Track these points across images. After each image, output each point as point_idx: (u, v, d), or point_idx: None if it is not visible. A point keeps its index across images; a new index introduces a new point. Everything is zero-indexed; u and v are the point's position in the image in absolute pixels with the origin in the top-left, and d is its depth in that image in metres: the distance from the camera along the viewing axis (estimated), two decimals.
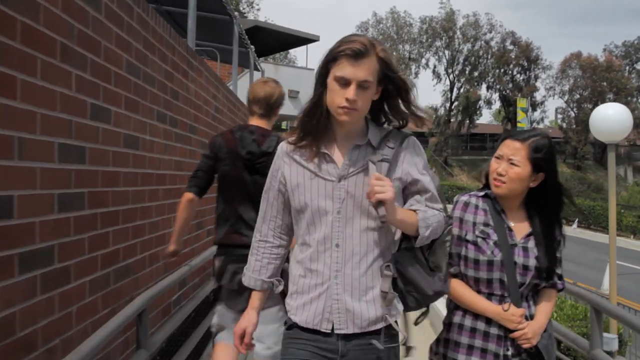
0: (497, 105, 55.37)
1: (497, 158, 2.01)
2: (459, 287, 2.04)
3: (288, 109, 18.06)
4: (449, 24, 51.64)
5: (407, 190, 1.81)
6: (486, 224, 2.02)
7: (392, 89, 1.74)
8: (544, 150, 1.95)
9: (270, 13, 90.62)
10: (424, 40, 52.92)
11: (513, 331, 1.95)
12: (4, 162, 2.03)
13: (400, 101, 1.77)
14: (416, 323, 1.98)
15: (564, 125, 55.51)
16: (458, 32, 52.61)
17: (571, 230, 24.73)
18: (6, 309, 2.07)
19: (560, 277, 2.09)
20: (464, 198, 2.09)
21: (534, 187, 2.00)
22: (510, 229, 2.02)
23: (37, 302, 2.28)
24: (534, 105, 53.39)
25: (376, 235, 1.74)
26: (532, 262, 1.97)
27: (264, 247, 1.91)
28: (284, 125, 27.86)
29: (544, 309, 2.04)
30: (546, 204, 2.02)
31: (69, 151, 2.51)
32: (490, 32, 53.08)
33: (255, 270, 1.91)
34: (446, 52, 53.50)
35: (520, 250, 1.99)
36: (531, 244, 2.00)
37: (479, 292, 2.02)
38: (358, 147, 1.75)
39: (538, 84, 55.16)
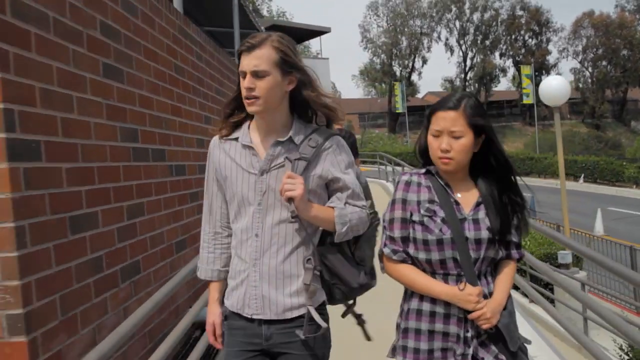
0: (511, 71, 56.16)
1: (435, 135, 1.83)
2: (410, 273, 1.88)
3: None
4: None
5: (330, 188, 1.86)
6: (431, 201, 1.86)
7: (302, 80, 1.76)
8: (478, 110, 1.81)
9: (282, 2, 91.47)
10: (434, 14, 53.97)
11: (472, 313, 1.81)
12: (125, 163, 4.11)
13: (310, 92, 1.77)
14: (343, 316, 1.98)
15: (580, 85, 56.04)
16: (467, 3, 53.53)
17: (577, 185, 26.50)
18: (96, 252, 2.78)
19: (518, 246, 1.93)
20: (405, 177, 1.93)
21: (476, 152, 1.86)
22: (457, 203, 1.87)
23: (115, 249, 2.99)
24: (547, 69, 54.19)
25: (295, 227, 1.78)
26: (484, 235, 1.82)
27: (214, 239, 1.93)
28: None
29: (502, 285, 1.89)
30: (492, 167, 1.88)
31: (138, 151, 4.58)
32: (500, 1, 53.81)
33: (210, 262, 1.94)
34: (457, 23, 54.52)
35: (471, 223, 1.84)
36: (481, 214, 1.84)
37: (433, 273, 1.86)
38: (280, 143, 1.78)
39: (550, 46, 55.86)
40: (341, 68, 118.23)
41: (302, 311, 1.79)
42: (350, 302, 1.95)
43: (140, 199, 3.35)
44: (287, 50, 1.71)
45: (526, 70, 39.26)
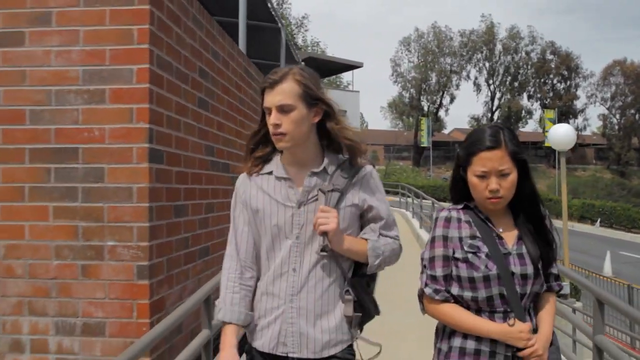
0: (538, 113, 56.79)
1: (481, 176, 1.77)
2: (456, 312, 1.82)
3: None
4: (489, 37, 53.79)
5: (364, 218, 1.84)
6: (473, 237, 1.81)
7: (327, 112, 1.77)
8: (516, 141, 1.78)
9: (317, 32, 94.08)
10: (464, 54, 55.22)
11: (520, 349, 1.75)
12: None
13: (334, 124, 1.77)
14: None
15: (607, 131, 56.38)
16: (498, 45, 54.68)
17: (593, 229, 27.04)
18: (186, 233, 4.90)
19: (557, 278, 1.92)
20: (444, 214, 1.88)
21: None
22: (500, 237, 1.82)
23: (196, 234, 4.86)
24: (575, 114, 54.75)
25: (333, 261, 1.76)
26: (530, 270, 1.78)
27: (240, 279, 1.85)
28: None
29: (546, 318, 1.85)
30: (522, 199, 1.83)
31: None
32: (532, 44, 54.83)
33: (235, 303, 1.82)
34: (486, 63, 55.65)
35: (516, 258, 1.79)
36: (524, 248, 1.80)
37: (478, 311, 1.80)
38: (315, 174, 1.77)
39: (579, 92, 56.44)
40: (370, 99, 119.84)
41: (338, 349, 1.77)
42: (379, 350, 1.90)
43: (213, 200, 4.41)
44: (309, 82, 1.73)
45: (549, 114, 40.10)
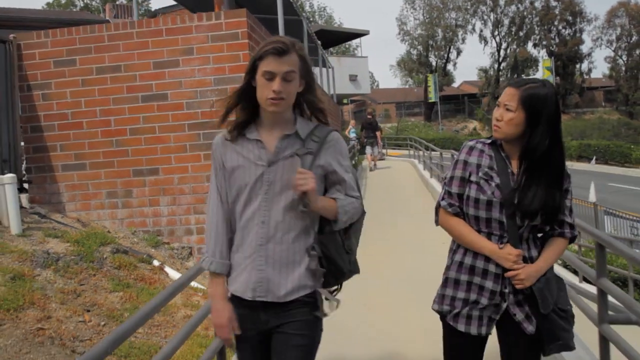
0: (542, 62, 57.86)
1: (497, 105, 2.03)
2: (459, 225, 2.09)
3: (350, 88, 25.02)
4: None
5: (328, 180, 1.96)
6: (490, 167, 2.03)
7: (308, 84, 1.91)
8: (537, 97, 1.93)
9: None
10: (468, 7, 56.32)
11: (509, 271, 1.99)
12: None
13: (311, 97, 1.94)
14: (326, 299, 2.01)
15: (614, 74, 57.31)
16: None
17: (590, 166, 29.49)
18: None
19: (572, 227, 2.08)
20: (470, 143, 2.12)
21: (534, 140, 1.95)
22: (513, 174, 2.03)
23: None
24: (581, 58, 55.92)
25: (297, 216, 1.89)
26: (531, 206, 1.97)
27: (222, 232, 1.98)
28: (345, 100, 33.51)
29: (546, 255, 2.05)
30: (536, 152, 1.97)
31: None
32: None
33: (224, 256, 1.97)
34: (491, 15, 56.68)
35: (522, 193, 1.99)
36: (533, 188, 1.97)
37: (479, 231, 2.05)
38: (287, 137, 1.89)
39: (584, 36, 57.16)
40: (380, 59, 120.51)
41: (301, 293, 1.91)
42: (336, 287, 2.04)
43: None
44: (306, 58, 1.89)
45: (546, 62, 41.78)
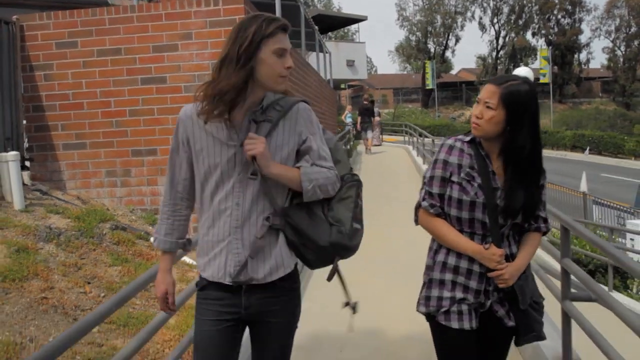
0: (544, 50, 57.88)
1: (477, 102, 2.01)
2: (442, 226, 2.06)
3: (347, 73, 25.22)
4: None
5: (299, 151, 1.89)
6: (471, 167, 2.02)
7: None
8: (518, 95, 1.92)
9: None
10: None
11: (493, 270, 2.00)
12: None
13: None
14: (329, 279, 1.95)
15: (611, 64, 57.41)
16: None
17: (583, 156, 29.83)
18: None
19: (545, 221, 2.11)
20: (450, 142, 2.09)
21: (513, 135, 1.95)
22: (494, 173, 2.02)
23: None
24: (579, 48, 55.96)
25: (278, 194, 1.84)
26: (512, 206, 1.99)
27: (174, 210, 1.95)
28: (342, 85, 33.61)
29: (525, 252, 2.07)
30: (522, 153, 1.97)
31: None
32: None
33: (167, 233, 1.96)
34: (491, 2, 56.56)
35: (503, 193, 2.00)
36: (512, 188, 1.99)
37: (461, 231, 2.04)
38: (254, 113, 1.81)
39: (583, 26, 57.13)
40: (378, 44, 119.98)
41: (280, 273, 1.87)
42: (333, 264, 1.91)
43: None
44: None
45: (544, 52, 41.87)
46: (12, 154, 5.61)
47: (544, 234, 2.15)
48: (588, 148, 30.61)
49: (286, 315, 1.93)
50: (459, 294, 2.05)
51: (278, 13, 8.90)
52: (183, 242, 2.01)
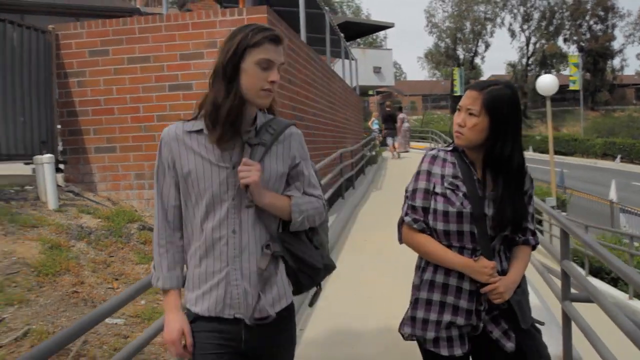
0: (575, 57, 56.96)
1: (458, 109, 1.91)
2: (428, 242, 1.93)
3: (374, 80, 25.50)
4: None
5: (289, 175, 1.80)
6: (455, 177, 1.91)
7: None
8: (499, 101, 1.84)
9: None
10: (498, 0, 55.72)
11: (485, 287, 1.86)
12: None
13: None
14: (311, 304, 1.92)
15: None
16: None
17: (614, 164, 29.23)
18: None
19: (534, 234, 2.01)
20: (432, 152, 1.99)
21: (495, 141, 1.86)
22: (479, 181, 1.92)
23: None
24: (612, 55, 54.92)
25: (271, 220, 1.74)
26: (502, 215, 1.87)
27: (172, 243, 1.79)
28: (370, 92, 33.73)
29: (517, 265, 1.94)
30: (509, 160, 1.88)
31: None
32: None
33: (171, 268, 1.78)
34: (521, 9, 56.04)
35: (490, 202, 1.89)
36: (500, 195, 1.88)
37: (450, 246, 1.91)
38: (247, 132, 1.70)
39: (616, 32, 56.11)
40: (408, 50, 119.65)
41: (283, 304, 1.77)
42: (316, 289, 1.90)
43: None
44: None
45: (573, 59, 41.26)
46: (47, 157, 5.91)
47: (534, 247, 2.03)
48: (619, 156, 30.09)
49: (289, 347, 1.86)
50: (446, 317, 1.92)
51: (302, 22, 9.17)
52: (184, 276, 1.84)
